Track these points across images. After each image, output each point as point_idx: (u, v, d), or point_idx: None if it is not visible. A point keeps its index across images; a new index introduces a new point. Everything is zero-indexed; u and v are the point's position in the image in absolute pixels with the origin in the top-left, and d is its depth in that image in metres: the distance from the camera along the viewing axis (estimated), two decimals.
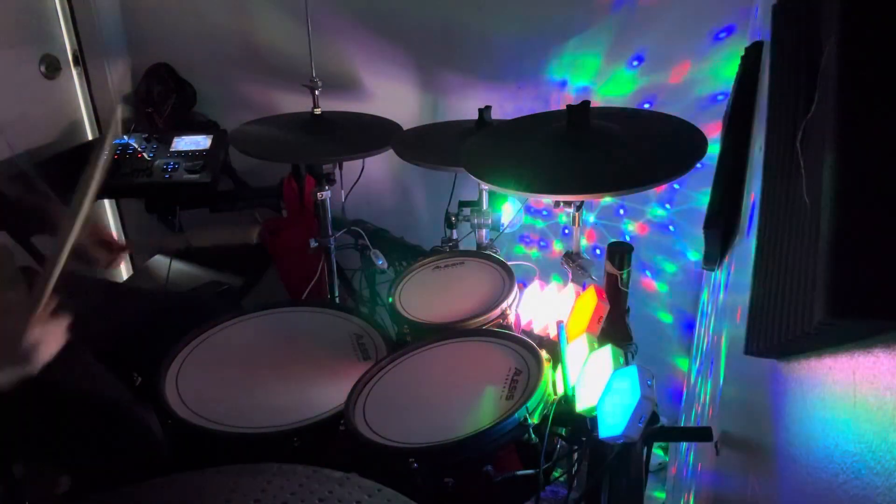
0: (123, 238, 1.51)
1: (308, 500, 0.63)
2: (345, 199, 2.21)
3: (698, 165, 1.34)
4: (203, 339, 1.46)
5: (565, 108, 1.46)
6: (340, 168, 2.06)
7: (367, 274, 2.28)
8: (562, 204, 1.50)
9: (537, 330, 1.46)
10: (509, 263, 1.61)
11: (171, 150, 2.22)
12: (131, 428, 1.35)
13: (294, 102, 2.26)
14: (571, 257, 1.57)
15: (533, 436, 1.10)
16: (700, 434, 1.35)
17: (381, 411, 1.19)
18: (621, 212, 2.24)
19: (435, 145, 1.82)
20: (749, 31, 1.81)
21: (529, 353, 1.26)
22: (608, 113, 1.55)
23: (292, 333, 1.49)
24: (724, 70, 1.91)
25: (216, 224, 1.33)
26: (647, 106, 2.04)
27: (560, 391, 1.19)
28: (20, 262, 1.49)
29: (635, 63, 2.04)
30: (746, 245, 1.27)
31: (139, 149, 2.22)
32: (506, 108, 2.05)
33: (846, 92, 0.55)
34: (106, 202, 2.57)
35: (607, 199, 2.18)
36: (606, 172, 1.37)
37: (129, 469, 1.34)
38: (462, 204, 1.90)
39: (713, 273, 1.76)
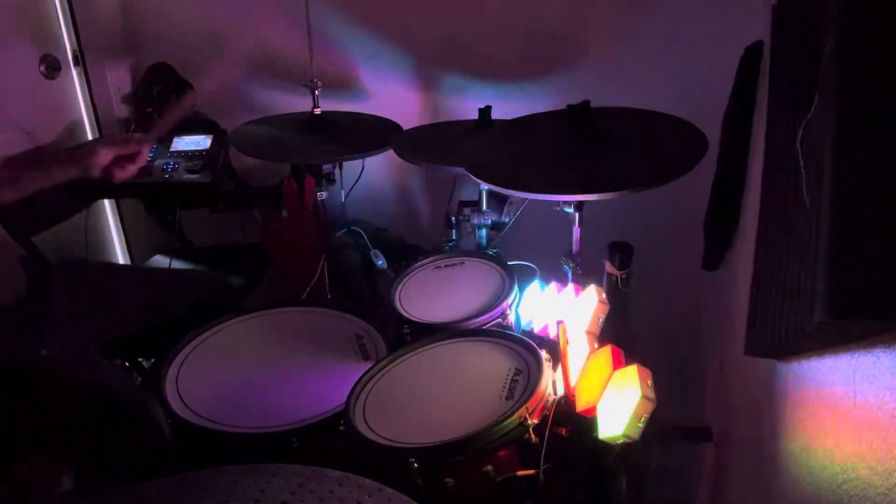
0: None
1: (308, 500, 0.63)
2: (345, 199, 2.21)
3: (698, 165, 1.34)
4: (203, 339, 1.46)
5: (565, 108, 1.46)
6: (340, 168, 2.06)
7: (367, 274, 2.28)
8: (562, 204, 1.50)
9: (537, 330, 1.46)
10: (509, 263, 1.61)
11: (171, 150, 2.22)
12: (140, 419, 1.34)
13: (294, 102, 2.26)
14: (571, 257, 1.57)
15: (533, 436, 1.10)
16: (700, 434, 1.36)
17: (381, 411, 1.19)
18: (621, 212, 2.24)
19: (435, 145, 1.82)
20: (749, 31, 1.80)
21: (529, 353, 1.26)
22: (608, 113, 1.55)
23: (292, 333, 1.49)
24: (724, 70, 1.91)
25: None
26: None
27: (560, 391, 1.19)
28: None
29: (636, 63, 2.04)
30: (746, 245, 1.27)
31: None
32: (506, 108, 2.05)
33: (846, 92, 0.55)
34: (106, 202, 2.57)
35: (607, 199, 2.18)
36: (606, 172, 1.37)
37: (137, 464, 1.33)
38: (462, 204, 1.90)
39: (713, 273, 1.76)
